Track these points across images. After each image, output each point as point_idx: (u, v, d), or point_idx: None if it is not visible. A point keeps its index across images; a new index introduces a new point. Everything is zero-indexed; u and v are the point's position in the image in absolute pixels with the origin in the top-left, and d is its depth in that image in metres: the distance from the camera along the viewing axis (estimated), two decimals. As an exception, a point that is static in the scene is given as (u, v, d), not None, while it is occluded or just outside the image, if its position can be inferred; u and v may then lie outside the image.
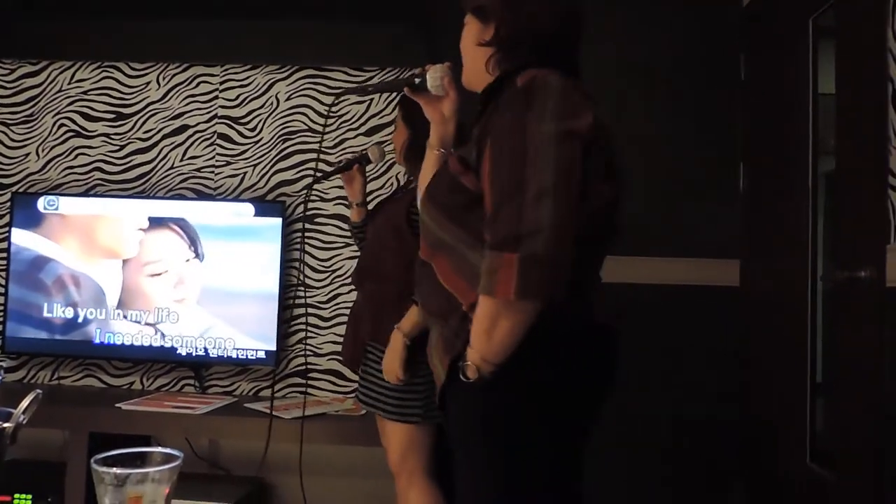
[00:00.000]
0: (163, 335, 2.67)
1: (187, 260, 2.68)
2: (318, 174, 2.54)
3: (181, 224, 2.69)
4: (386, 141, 2.68)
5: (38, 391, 0.88)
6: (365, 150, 2.12)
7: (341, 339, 2.75)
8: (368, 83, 1.81)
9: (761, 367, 2.41)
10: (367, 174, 2.25)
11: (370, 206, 2.18)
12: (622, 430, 2.28)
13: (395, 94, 2.78)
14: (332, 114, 2.81)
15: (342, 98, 2.80)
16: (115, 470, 0.69)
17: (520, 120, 1.11)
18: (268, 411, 2.44)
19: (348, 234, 2.78)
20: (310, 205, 2.80)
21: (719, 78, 2.60)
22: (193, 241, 2.68)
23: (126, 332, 2.68)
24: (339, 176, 2.16)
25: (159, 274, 2.68)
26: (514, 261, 1.06)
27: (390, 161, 2.70)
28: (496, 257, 1.08)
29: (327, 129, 2.82)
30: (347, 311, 2.76)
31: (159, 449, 0.74)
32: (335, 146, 2.81)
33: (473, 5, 1.28)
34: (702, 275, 2.52)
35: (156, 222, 2.70)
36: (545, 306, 1.10)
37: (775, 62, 2.41)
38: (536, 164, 1.08)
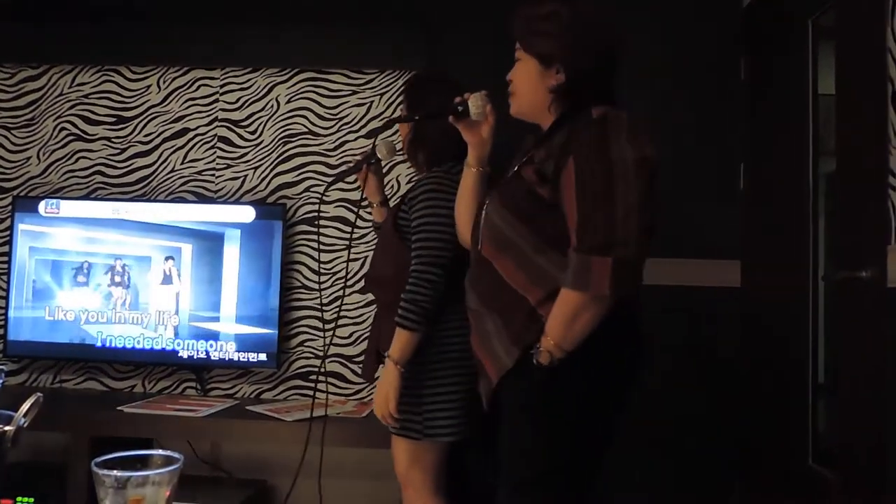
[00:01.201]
0: (164, 338, 2.67)
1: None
2: (333, 177, 2.43)
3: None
4: (394, 138, 2.68)
5: (39, 395, 0.89)
6: (373, 147, 1.99)
7: (342, 342, 2.77)
8: (414, 113, 1.84)
9: (763, 368, 2.41)
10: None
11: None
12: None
13: (396, 96, 2.79)
14: (332, 116, 2.82)
15: (334, 100, 2.81)
16: (115, 473, 0.69)
17: (603, 146, 1.32)
18: (269, 414, 2.44)
19: (348, 236, 2.79)
20: (310, 206, 2.81)
21: (719, 78, 2.60)
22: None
23: (128, 335, 2.68)
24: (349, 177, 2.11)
25: (162, 276, 2.69)
26: (608, 263, 1.28)
27: (391, 163, 2.70)
28: (587, 259, 1.29)
29: (327, 132, 2.82)
30: (348, 314, 2.78)
31: (160, 452, 0.74)
32: (335, 149, 2.82)
33: (536, 52, 1.44)
34: (703, 275, 2.52)
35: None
36: (615, 303, 1.32)
37: (775, 62, 2.41)
38: (623, 184, 1.29)
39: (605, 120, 1.35)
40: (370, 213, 2.19)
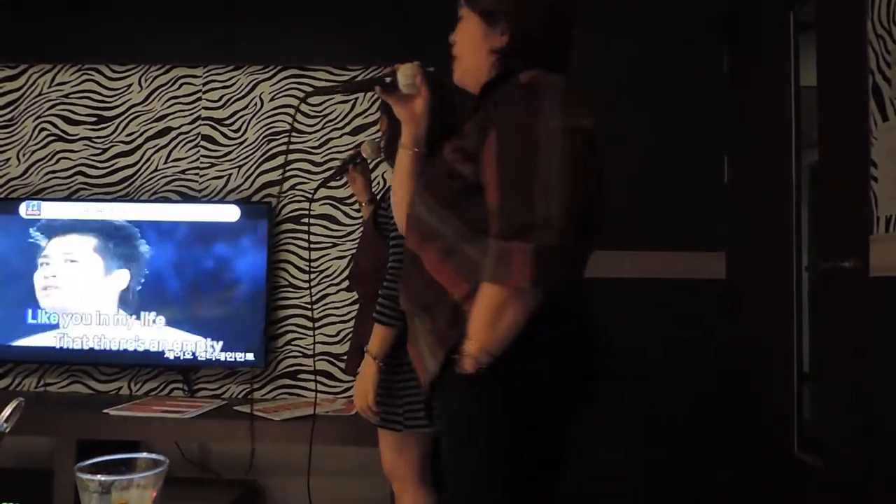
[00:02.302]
0: (150, 339, 2.64)
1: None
2: (322, 179, 2.41)
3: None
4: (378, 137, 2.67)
5: (21, 399, 0.87)
6: (358, 147, 2.04)
7: (329, 340, 2.76)
8: (337, 83, 1.76)
9: (749, 358, 2.43)
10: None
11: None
12: (610, 421, 2.29)
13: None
14: (316, 114, 2.80)
15: (318, 98, 2.79)
16: (99, 477, 0.69)
17: (528, 115, 1.13)
18: (258, 414, 2.43)
19: (335, 234, 2.78)
20: (296, 205, 2.79)
21: (703, 71, 2.62)
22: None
23: (113, 336, 2.66)
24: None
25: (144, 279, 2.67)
26: (528, 250, 1.07)
27: (377, 161, 2.68)
28: (507, 246, 1.09)
29: (311, 130, 2.81)
30: (335, 312, 2.77)
31: (145, 455, 0.73)
32: (320, 146, 2.80)
33: (481, 8, 1.28)
34: (688, 268, 2.53)
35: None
36: (544, 297, 1.12)
37: (758, 55, 2.42)
38: (546, 158, 1.10)
39: (534, 85, 1.16)
40: (359, 212, 2.19)
